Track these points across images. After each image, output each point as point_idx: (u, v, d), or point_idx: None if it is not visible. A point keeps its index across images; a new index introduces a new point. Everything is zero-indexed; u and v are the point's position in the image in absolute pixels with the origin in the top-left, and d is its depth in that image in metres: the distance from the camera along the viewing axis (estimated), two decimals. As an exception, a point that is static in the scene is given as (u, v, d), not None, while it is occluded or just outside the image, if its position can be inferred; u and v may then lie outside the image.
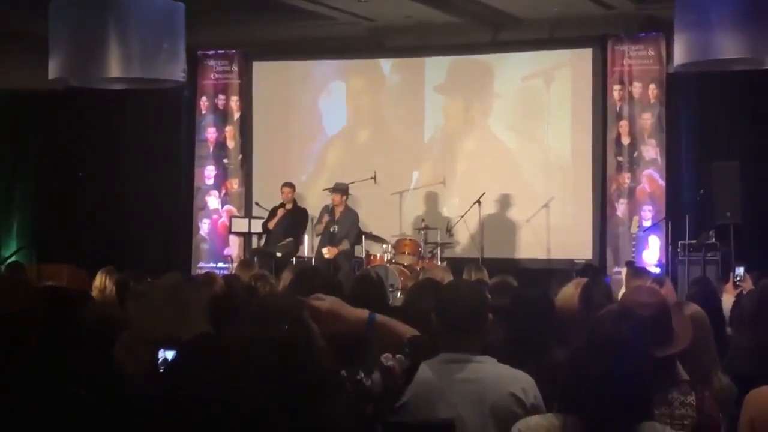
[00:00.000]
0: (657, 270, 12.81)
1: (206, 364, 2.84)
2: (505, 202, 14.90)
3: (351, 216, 14.09)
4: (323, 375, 3.31)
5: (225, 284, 7.37)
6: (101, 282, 9.38)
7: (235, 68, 16.20)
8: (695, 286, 7.87)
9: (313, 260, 13.93)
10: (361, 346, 3.83)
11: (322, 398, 3.29)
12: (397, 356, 3.73)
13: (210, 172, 16.20)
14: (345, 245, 13.88)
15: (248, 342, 3.22)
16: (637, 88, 14.35)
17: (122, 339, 4.35)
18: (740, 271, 9.00)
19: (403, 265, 13.31)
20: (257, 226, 14.75)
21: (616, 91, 14.46)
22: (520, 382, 4.15)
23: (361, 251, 14.06)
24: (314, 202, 14.85)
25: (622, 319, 3.92)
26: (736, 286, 8.69)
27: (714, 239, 12.99)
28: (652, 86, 14.29)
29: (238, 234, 15.51)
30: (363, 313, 3.73)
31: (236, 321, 5.32)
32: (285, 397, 3.14)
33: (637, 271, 8.74)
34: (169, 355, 3.16)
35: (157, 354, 3.19)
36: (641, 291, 4.21)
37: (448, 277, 8.17)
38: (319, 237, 14.13)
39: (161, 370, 3.14)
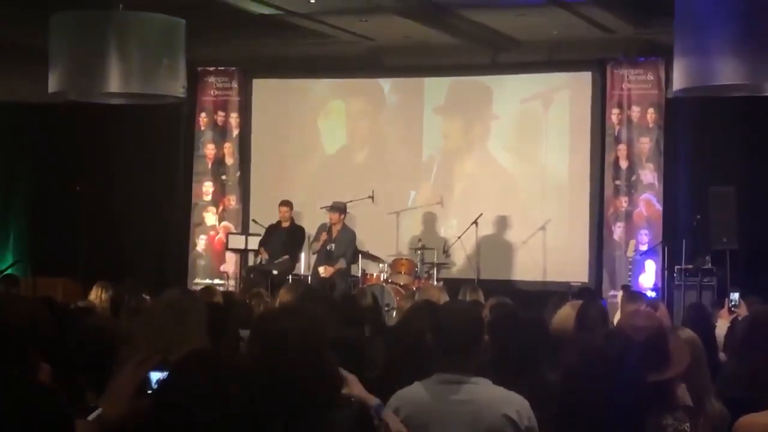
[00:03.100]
0: (653, 294, 12.82)
1: (200, 382, 2.84)
2: (502, 223, 14.91)
3: (348, 235, 14.09)
4: (328, 373, 3.39)
5: (224, 299, 7.41)
6: (96, 296, 9.40)
7: (234, 85, 16.22)
8: (690, 311, 7.89)
9: (309, 279, 13.94)
10: None
11: (324, 400, 3.34)
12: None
13: (208, 188, 16.21)
14: (341, 264, 13.88)
15: (273, 331, 3.32)
16: (635, 112, 14.38)
17: (120, 354, 4.35)
18: (735, 296, 9.01)
19: (399, 285, 13.31)
20: (254, 244, 14.75)
21: (614, 114, 14.49)
22: (514, 404, 4.15)
23: (357, 270, 14.05)
24: (311, 220, 14.84)
25: (617, 342, 3.91)
26: (731, 311, 8.70)
27: (710, 264, 13.00)
28: (650, 110, 14.33)
29: (234, 251, 15.51)
30: (374, 399, 3.94)
31: (234, 335, 5.34)
32: (288, 396, 3.17)
33: (632, 295, 8.75)
34: (158, 376, 3.17)
35: (148, 377, 3.20)
36: (638, 315, 4.21)
37: (443, 298, 8.21)
38: (316, 255, 14.13)
39: (149, 392, 3.15)
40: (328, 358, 3.57)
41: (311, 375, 3.41)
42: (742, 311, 8.44)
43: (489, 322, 5.09)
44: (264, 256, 14.26)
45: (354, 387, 3.79)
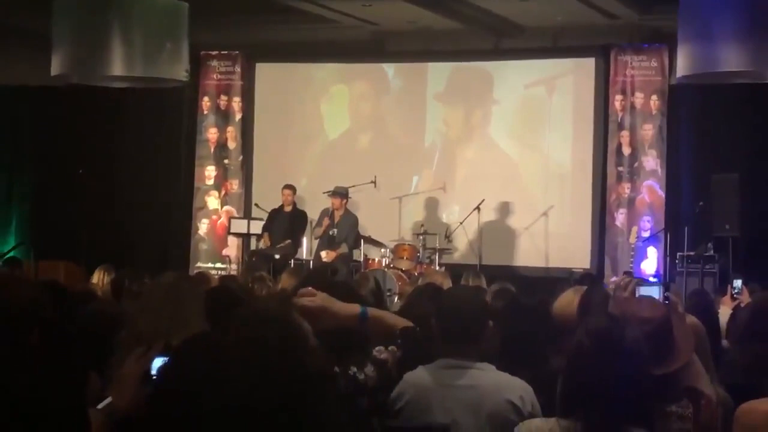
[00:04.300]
0: (655, 281, 12.82)
1: (199, 366, 2.84)
2: (504, 209, 14.91)
3: (350, 219, 14.09)
4: (315, 375, 3.34)
5: (221, 285, 7.39)
6: (99, 279, 9.41)
7: (237, 69, 16.21)
8: (693, 298, 7.87)
9: (311, 263, 13.94)
10: (355, 340, 3.86)
11: (315, 397, 3.31)
12: (390, 348, 3.77)
13: (210, 172, 16.21)
14: (343, 249, 13.89)
15: (238, 345, 3.24)
16: (639, 98, 14.37)
17: (120, 337, 4.35)
18: (738, 283, 9.00)
19: (401, 270, 13.32)
20: (256, 228, 14.75)
21: (617, 101, 14.48)
22: (517, 389, 4.16)
23: (359, 255, 14.06)
24: (314, 205, 14.84)
25: (622, 324, 3.89)
26: (733, 298, 8.69)
27: (712, 251, 13.00)
28: (654, 97, 14.31)
29: (236, 235, 15.51)
30: (355, 308, 3.80)
31: (232, 319, 5.33)
32: (277, 399, 3.15)
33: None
34: (160, 362, 3.19)
35: (151, 362, 3.21)
36: (641, 303, 4.16)
37: (447, 283, 8.18)
38: (318, 240, 14.13)
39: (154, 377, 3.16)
40: (312, 359, 3.51)
41: (294, 380, 3.37)
42: (745, 298, 8.42)
43: (492, 308, 5.08)
44: (266, 242, 14.28)
45: (333, 305, 3.71)
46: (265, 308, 3.44)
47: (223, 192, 16.21)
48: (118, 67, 11.37)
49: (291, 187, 14.55)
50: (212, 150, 16.25)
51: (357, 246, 14.11)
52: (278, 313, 3.35)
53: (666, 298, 4.47)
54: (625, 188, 14.40)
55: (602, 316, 3.83)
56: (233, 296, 5.74)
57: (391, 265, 13.50)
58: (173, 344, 3.18)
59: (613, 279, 13.72)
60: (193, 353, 2.95)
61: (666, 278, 13.36)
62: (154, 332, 3.91)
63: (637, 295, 4.48)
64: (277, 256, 13.83)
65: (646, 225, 14.19)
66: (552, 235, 14.70)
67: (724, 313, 7.54)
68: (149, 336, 3.73)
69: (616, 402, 3.13)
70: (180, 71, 11.70)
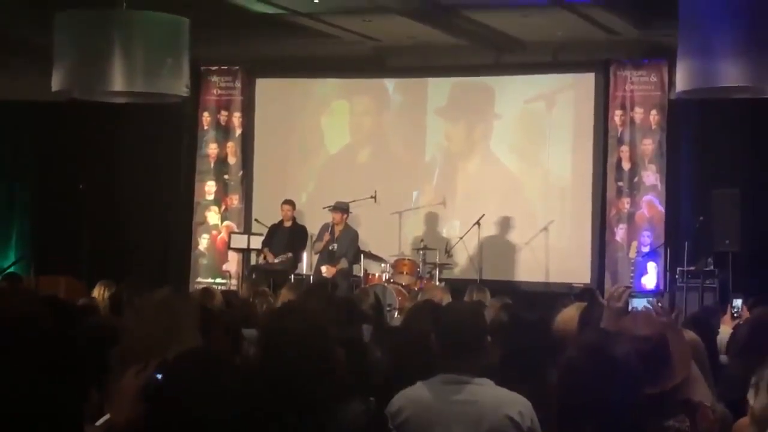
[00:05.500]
0: (650, 290, 12.86)
1: (197, 380, 2.85)
2: (504, 224, 14.91)
3: (350, 234, 14.10)
4: (332, 368, 3.40)
5: (224, 300, 7.41)
6: (99, 294, 9.40)
7: (238, 84, 16.22)
8: (700, 313, 7.88)
9: (311, 278, 13.94)
10: None
11: (330, 395, 3.35)
12: None
13: (210, 187, 16.21)
14: (343, 264, 13.89)
15: (274, 333, 3.31)
16: (638, 113, 14.38)
17: (115, 352, 4.35)
18: (738, 303, 9.00)
19: (402, 285, 13.32)
20: (256, 243, 14.75)
21: (617, 116, 14.49)
22: (517, 405, 4.16)
23: (359, 270, 14.06)
24: (314, 220, 14.84)
25: (614, 344, 3.89)
26: (733, 317, 8.68)
27: (712, 266, 13.00)
28: (653, 112, 14.32)
29: (236, 250, 15.51)
30: None
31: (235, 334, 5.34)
32: (294, 393, 3.18)
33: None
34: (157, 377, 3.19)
35: (151, 378, 3.21)
36: (637, 319, 4.16)
37: (446, 298, 8.20)
38: (318, 255, 14.13)
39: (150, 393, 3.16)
40: (331, 354, 3.57)
41: (315, 371, 3.42)
42: (745, 317, 8.42)
43: (493, 323, 5.08)
44: (269, 257, 14.28)
45: None
46: (299, 306, 3.53)
47: (223, 207, 16.21)
48: (118, 82, 11.39)
49: (290, 203, 14.56)
50: (212, 165, 16.25)
51: (357, 261, 14.11)
52: (307, 312, 3.44)
53: (658, 302, 4.48)
54: (625, 203, 14.40)
55: (595, 331, 3.83)
56: (234, 311, 5.75)
57: (392, 280, 13.51)
58: (170, 359, 3.19)
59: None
60: (191, 368, 2.95)
61: (665, 290, 13.38)
62: (150, 347, 3.91)
63: (630, 307, 4.49)
64: (277, 270, 13.84)
65: (646, 240, 14.19)
66: (552, 250, 14.70)
67: (725, 332, 7.54)
68: (145, 351, 3.73)
69: (612, 417, 3.12)
70: (180, 86, 11.72)
